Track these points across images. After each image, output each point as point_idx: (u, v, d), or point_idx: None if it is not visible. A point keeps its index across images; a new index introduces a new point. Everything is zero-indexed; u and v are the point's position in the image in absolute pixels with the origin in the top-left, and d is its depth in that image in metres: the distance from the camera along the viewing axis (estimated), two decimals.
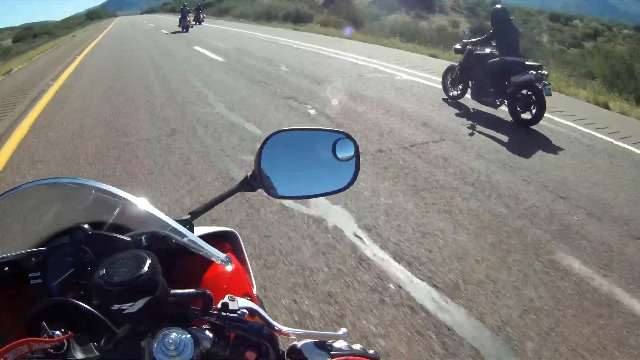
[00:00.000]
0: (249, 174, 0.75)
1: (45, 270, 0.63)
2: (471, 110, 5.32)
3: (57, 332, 0.48)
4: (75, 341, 0.48)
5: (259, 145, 0.72)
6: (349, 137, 0.74)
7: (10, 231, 0.77)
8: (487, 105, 5.14)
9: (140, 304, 0.47)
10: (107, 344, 0.49)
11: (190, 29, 17.55)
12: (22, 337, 0.44)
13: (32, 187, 0.69)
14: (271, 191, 0.73)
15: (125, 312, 0.47)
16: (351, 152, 0.74)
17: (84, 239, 0.64)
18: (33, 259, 0.64)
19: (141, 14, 69.32)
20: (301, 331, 0.56)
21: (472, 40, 5.37)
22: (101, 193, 0.71)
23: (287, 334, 0.55)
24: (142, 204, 0.68)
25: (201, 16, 21.21)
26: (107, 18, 55.30)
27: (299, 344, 0.54)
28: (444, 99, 5.70)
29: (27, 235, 0.73)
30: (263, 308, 0.58)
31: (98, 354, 0.48)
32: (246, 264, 0.79)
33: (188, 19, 17.80)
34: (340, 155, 0.73)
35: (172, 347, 0.46)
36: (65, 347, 0.47)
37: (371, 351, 0.55)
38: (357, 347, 0.54)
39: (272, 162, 0.72)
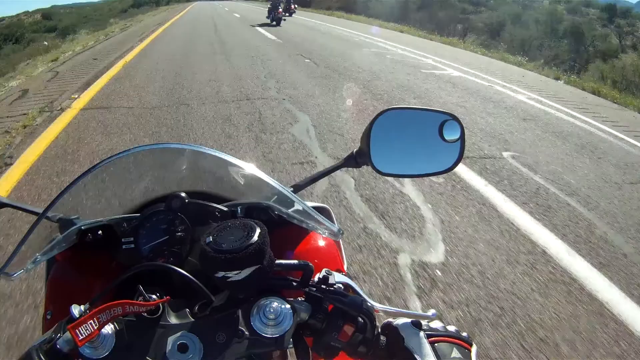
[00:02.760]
0: (355, 150, 0.76)
1: (138, 236, 0.64)
2: None
3: (153, 296, 0.48)
4: (170, 306, 0.48)
5: None
6: (455, 118, 0.73)
7: (106, 195, 0.76)
8: None
9: (246, 272, 0.47)
10: (202, 310, 0.49)
11: (282, 22, 14.42)
12: (114, 300, 0.44)
13: (132, 153, 0.66)
14: (377, 168, 0.73)
15: (230, 279, 0.47)
16: (457, 134, 0.73)
17: (180, 207, 0.64)
18: (125, 224, 0.65)
19: None
20: (393, 309, 0.55)
21: None
22: (204, 158, 0.70)
23: (378, 311, 0.54)
24: (250, 169, 0.66)
25: (292, 6, 17.69)
26: (177, 3, 44.93)
27: (395, 321, 0.53)
28: None
29: (122, 201, 0.73)
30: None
31: (193, 319, 0.48)
32: (339, 240, 0.78)
33: (280, 9, 14.52)
34: (446, 136, 0.72)
35: (271, 317, 0.46)
36: (160, 312, 0.47)
37: (464, 333, 0.53)
38: (451, 328, 0.54)
39: (379, 140, 0.73)
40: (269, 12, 14.92)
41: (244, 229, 0.50)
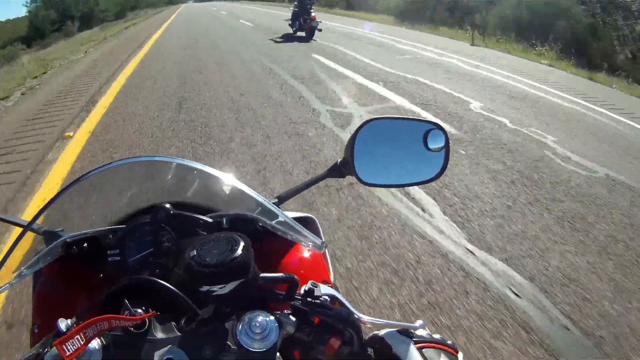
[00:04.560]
0: (339, 160, 0.76)
1: (123, 248, 0.63)
2: None
3: (139, 311, 0.48)
4: (156, 320, 0.48)
5: None
6: (440, 128, 0.73)
7: (92, 208, 0.76)
8: None
9: (231, 286, 0.47)
10: (189, 324, 0.48)
11: (317, 33, 9.50)
12: (100, 314, 0.44)
13: (117, 165, 0.66)
14: (361, 178, 0.73)
15: (214, 293, 0.47)
16: (442, 143, 0.73)
17: (165, 219, 0.64)
18: (110, 236, 0.65)
19: None
20: (380, 321, 0.55)
21: None
22: (187, 170, 0.70)
23: (365, 323, 0.54)
24: (231, 181, 0.66)
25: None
26: (148, 8, 31.23)
27: (381, 332, 0.54)
28: None
29: (108, 213, 0.73)
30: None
31: (179, 334, 0.47)
32: (324, 251, 0.78)
33: (313, 14, 9.46)
34: (431, 145, 0.73)
35: (257, 331, 0.46)
36: (146, 326, 0.46)
37: (449, 341, 0.55)
38: (437, 336, 0.55)
39: (363, 150, 0.73)
40: (294, 17, 9.89)
41: (228, 242, 0.49)
